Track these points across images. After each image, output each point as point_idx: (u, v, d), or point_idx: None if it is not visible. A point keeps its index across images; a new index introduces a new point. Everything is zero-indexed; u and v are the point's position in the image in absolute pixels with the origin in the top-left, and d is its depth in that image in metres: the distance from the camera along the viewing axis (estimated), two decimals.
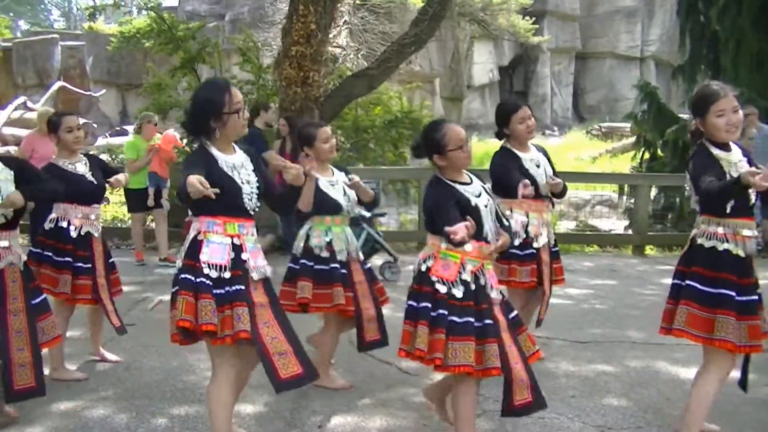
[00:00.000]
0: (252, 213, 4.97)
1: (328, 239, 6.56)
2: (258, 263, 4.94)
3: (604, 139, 32.81)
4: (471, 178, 5.29)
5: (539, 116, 37.22)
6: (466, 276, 5.03)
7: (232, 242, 4.84)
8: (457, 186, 5.17)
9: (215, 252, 4.78)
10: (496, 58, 38.40)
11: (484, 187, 5.30)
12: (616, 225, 17.52)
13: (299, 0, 13.74)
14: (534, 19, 33.20)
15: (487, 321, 5.00)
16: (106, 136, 26.01)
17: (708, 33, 17.44)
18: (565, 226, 17.05)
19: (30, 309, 5.09)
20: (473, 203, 5.13)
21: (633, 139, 22.61)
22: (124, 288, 8.51)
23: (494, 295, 5.15)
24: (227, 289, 4.75)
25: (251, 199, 4.93)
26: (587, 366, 7.27)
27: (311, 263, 6.52)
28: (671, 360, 7.33)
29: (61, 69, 36.66)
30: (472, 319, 4.97)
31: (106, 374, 7.08)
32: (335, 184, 6.64)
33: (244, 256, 4.86)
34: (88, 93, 33.40)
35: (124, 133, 24.95)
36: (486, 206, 5.20)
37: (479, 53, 37.04)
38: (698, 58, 17.79)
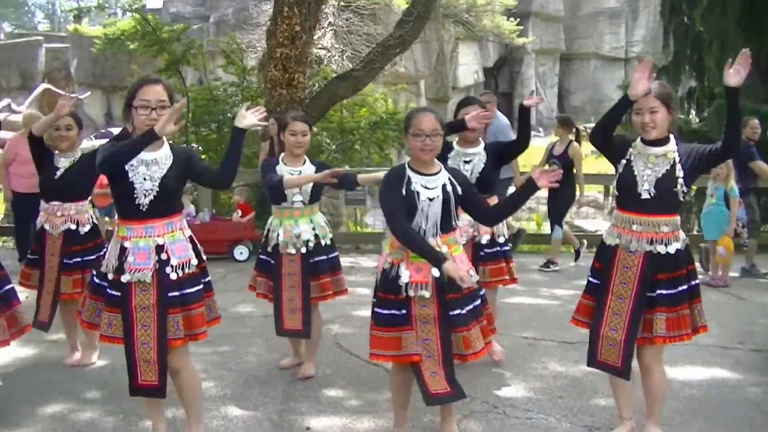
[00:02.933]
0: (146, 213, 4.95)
1: (272, 230, 6.87)
2: (138, 265, 4.93)
3: (589, 140, 32.80)
4: (440, 170, 5.23)
5: None
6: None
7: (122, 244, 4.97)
8: (413, 175, 5.14)
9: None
10: (480, 60, 38.47)
11: (450, 181, 5.19)
12: (603, 225, 17.53)
13: (284, 2, 13.74)
14: (518, 20, 33.34)
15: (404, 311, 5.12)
16: (92, 138, 25.93)
17: (692, 33, 17.49)
18: None
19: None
20: (421, 196, 5.09)
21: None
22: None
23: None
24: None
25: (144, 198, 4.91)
26: (575, 366, 7.25)
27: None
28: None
29: (46, 71, 36.57)
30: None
31: (92, 377, 7.04)
32: (294, 174, 6.69)
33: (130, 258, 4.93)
34: (73, 95, 33.21)
35: (109, 135, 24.87)
36: (432, 200, 5.11)
37: (464, 54, 37.08)
38: (682, 58, 17.84)
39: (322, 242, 6.86)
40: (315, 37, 16.11)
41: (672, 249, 5.14)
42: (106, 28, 27.75)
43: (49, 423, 5.93)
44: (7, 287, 5.74)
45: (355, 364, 7.40)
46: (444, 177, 5.19)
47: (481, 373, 6.93)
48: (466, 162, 5.87)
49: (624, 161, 5.30)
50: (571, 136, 12.19)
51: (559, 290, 10.73)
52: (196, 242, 5.14)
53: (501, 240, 7.00)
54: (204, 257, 5.21)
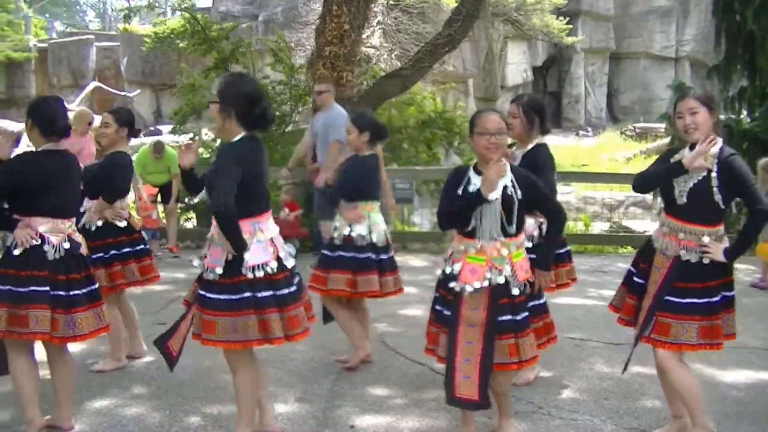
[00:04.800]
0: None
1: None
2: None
3: (639, 140, 32.62)
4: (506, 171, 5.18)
5: (573, 116, 37.12)
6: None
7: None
8: (474, 176, 5.19)
9: None
10: (529, 59, 38.26)
11: (513, 184, 5.15)
12: (651, 226, 17.40)
13: (333, 0, 13.75)
14: (568, 19, 33.07)
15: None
16: (141, 136, 26.13)
17: (744, 32, 17.26)
18: (599, 227, 16.95)
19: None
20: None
21: (667, 139, 22.49)
22: (157, 287, 8.55)
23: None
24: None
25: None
26: (621, 368, 7.20)
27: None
28: (707, 362, 7.24)
29: (96, 69, 36.87)
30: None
31: (139, 373, 7.10)
32: None
33: None
34: (123, 93, 33.58)
35: (158, 132, 25.05)
36: (491, 202, 5.06)
37: (513, 53, 36.90)
38: (734, 57, 17.61)
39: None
40: (364, 36, 16.13)
41: (706, 259, 5.12)
42: (155, 27, 27.90)
43: (96, 417, 5.99)
44: (95, 286, 5.80)
45: (401, 362, 7.40)
46: (507, 179, 5.16)
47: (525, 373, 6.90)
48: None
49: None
50: None
51: (606, 291, 10.64)
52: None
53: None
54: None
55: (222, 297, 4.99)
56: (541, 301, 5.68)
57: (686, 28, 40.69)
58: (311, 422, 5.91)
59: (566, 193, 19.97)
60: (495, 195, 5.02)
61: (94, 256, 6.63)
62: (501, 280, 5.09)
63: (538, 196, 5.26)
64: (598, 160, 27.62)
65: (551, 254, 5.37)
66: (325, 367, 7.24)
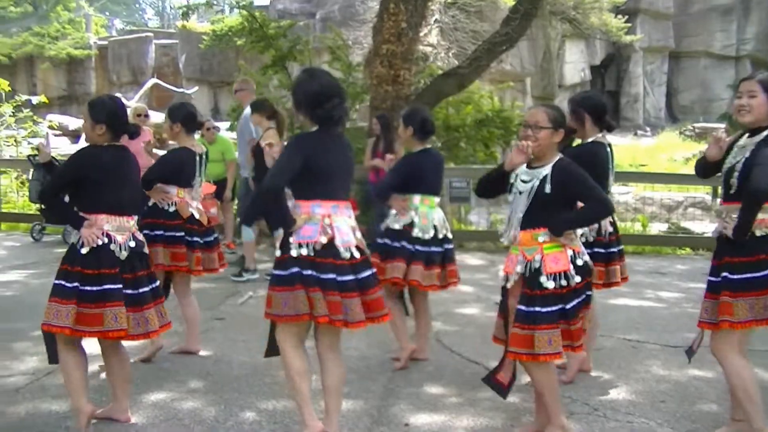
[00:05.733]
0: None
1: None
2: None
3: (698, 140, 32.27)
4: (546, 164, 5.27)
5: (632, 116, 36.82)
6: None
7: None
8: (523, 167, 5.36)
9: None
10: (587, 57, 38.01)
11: (551, 176, 5.21)
12: (710, 227, 17.20)
13: None
14: (626, 17, 32.76)
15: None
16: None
17: None
18: (657, 228, 16.80)
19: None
20: (513, 187, 5.40)
21: (729, 139, 22.21)
22: (215, 283, 8.59)
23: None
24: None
25: None
26: (679, 371, 7.14)
27: None
28: (766, 366, 7.17)
29: (155, 67, 37.24)
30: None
31: (196, 367, 7.15)
32: None
33: None
34: (181, 90, 33.82)
35: (216, 129, 25.17)
36: (521, 192, 5.29)
37: (570, 52, 36.68)
38: None
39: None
40: (421, 34, 16.09)
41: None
42: (214, 25, 28.06)
43: (152, 410, 6.04)
44: (157, 283, 5.87)
45: (456, 361, 7.39)
46: (545, 172, 5.22)
47: (583, 375, 6.86)
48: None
49: None
50: None
51: (663, 293, 10.59)
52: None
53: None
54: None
55: (276, 272, 5.12)
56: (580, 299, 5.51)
57: (747, 26, 40.18)
58: (366, 419, 5.91)
59: (624, 194, 19.83)
60: (522, 178, 5.33)
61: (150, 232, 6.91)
62: (527, 273, 5.21)
63: (580, 188, 5.25)
64: (656, 161, 27.39)
65: (568, 223, 5.24)
66: (381, 365, 7.26)
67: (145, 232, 6.72)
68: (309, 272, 5.00)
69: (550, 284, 5.10)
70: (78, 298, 5.27)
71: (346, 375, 5.42)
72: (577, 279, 5.14)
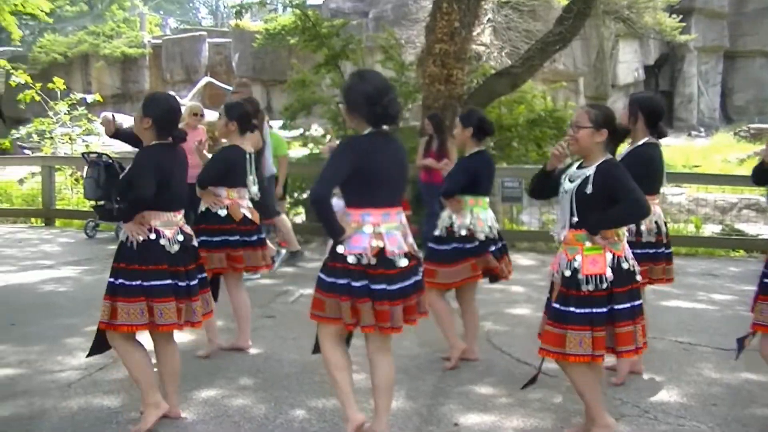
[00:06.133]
0: None
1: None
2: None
3: (753, 141, 31.91)
4: (592, 164, 5.25)
5: (685, 116, 36.50)
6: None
7: None
8: (573, 166, 5.40)
9: None
10: (641, 57, 37.70)
11: (593, 176, 5.17)
12: (764, 230, 17.04)
13: None
14: (681, 17, 32.45)
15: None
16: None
17: None
18: (710, 229, 16.64)
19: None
20: (561, 186, 5.40)
21: None
22: (266, 281, 8.60)
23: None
24: None
25: None
26: (731, 374, 7.08)
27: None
28: None
29: (208, 65, 37.47)
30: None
31: (246, 364, 7.20)
32: None
33: None
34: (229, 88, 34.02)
35: (269, 127, 25.27)
36: (566, 192, 5.31)
37: (624, 52, 36.42)
38: None
39: None
40: (474, 34, 16.08)
41: None
42: (267, 23, 28.18)
43: (203, 407, 6.09)
44: (204, 274, 5.96)
45: (506, 361, 7.38)
46: (588, 172, 5.22)
47: (634, 376, 6.83)
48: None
49: None
50: None
51: (716, 295, 10.49)
52: None
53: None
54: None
55: (321, 276, 5.14)
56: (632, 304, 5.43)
57: None
58: (415, 419, 5.92)
59: (677, 195, 19.68)
60: (567, 179, 5.36)
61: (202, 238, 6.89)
62: (567, 273, 5.20)
63: (618, 189, 5.16)
64: (710, 161, 27.15)
65: (602, 222, 5.17)
66: (431, 364, 7.26)
67: (202, 238, 6.81)
68: (359, 284, 4.99)
69: (589, 286, 5.11)
70: (145, 294, 5.36)
71: (395, 374, 5.41)
72: (614, 282, 5.15)
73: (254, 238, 7.51)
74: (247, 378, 6.82)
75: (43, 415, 5.89)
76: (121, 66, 38.02)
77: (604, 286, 5.10)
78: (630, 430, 5.75)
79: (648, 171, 6.41)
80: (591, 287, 5.08)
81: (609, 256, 5.15)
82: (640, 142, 6.61)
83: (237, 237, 7.31)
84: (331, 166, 5.00)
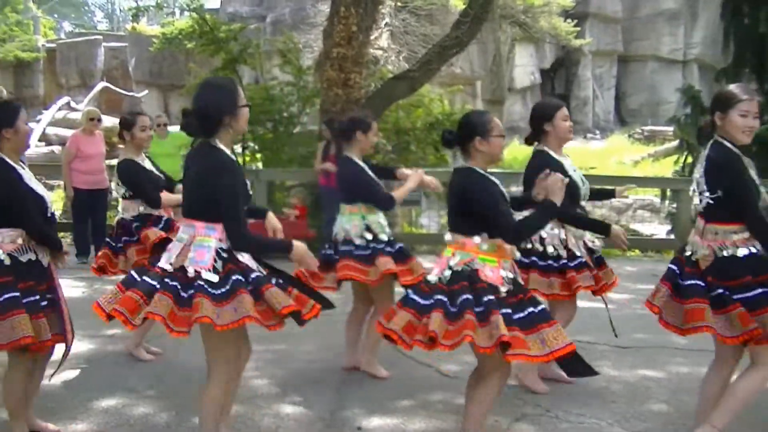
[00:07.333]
0: None
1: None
2: None
3: (647, 143, 32.57)
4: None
5: (581, 119, 37.03)
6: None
7: None
8: (492, 178, 5.14)
9: None
10: (537, 61, 38.19)
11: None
12: (659, 230, 17.36)
13: (341, 2, 13.76)
14: (576, 21, 33.02)
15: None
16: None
17: (754, 35, 17.14)
18: None
19: None
20: (507, 197, 5.17)
21: (676, 142, 22.44)
22: None
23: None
24: None
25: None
26: (629, 371, 7.21)
27: None
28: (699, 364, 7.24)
29: (104, 70, 36.95)
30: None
31: (147, 372, 7.10)
32: None
33: None
34: (131, 93, 33.64)
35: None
36: None
37: (520, 56, 36.85)
38: (742, 61, 17.49)
39: None
40: (372, 38, 16.12)
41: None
42: (164, 28, 27.86)
43: (103, 417, 5.99)
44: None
45: (407, 364, 7.38)
46: None
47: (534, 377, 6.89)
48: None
49: None
50: None
51: (613, 294, 10.59)
52: None
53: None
54: None
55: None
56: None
57: (694, 30, 40.53)
58: (318, 424, 5.91)
59: None
60: None
61: None
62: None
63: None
64: (606, 164, 27.56)
65: None
66: (332, 369, 7.24)
67: None
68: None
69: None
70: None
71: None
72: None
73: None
74: (148, 386, 6.72)
75: None
76: (14, 70, 37.25)
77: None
78: (533, 429, 5.81)
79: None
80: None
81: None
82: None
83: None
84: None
